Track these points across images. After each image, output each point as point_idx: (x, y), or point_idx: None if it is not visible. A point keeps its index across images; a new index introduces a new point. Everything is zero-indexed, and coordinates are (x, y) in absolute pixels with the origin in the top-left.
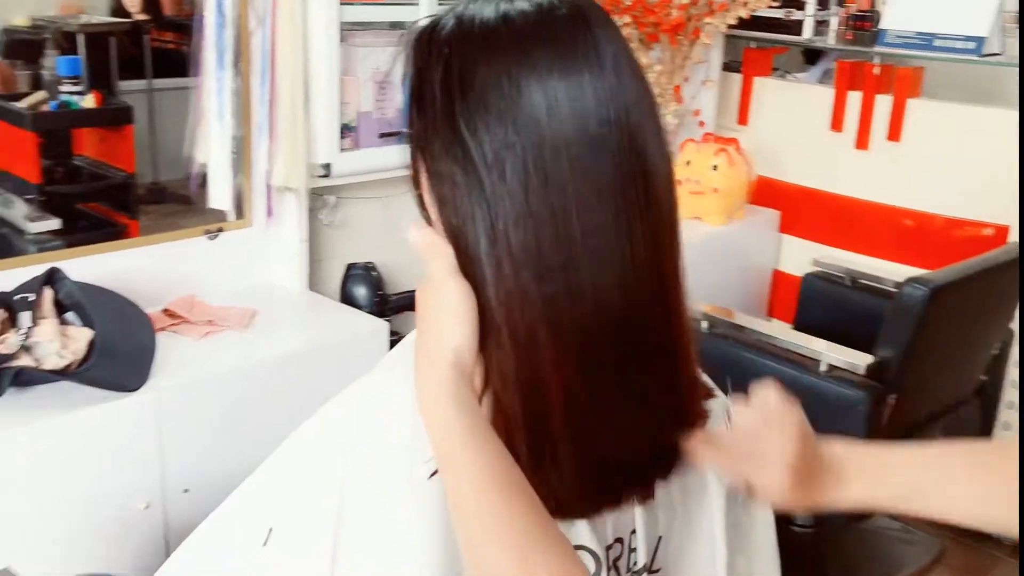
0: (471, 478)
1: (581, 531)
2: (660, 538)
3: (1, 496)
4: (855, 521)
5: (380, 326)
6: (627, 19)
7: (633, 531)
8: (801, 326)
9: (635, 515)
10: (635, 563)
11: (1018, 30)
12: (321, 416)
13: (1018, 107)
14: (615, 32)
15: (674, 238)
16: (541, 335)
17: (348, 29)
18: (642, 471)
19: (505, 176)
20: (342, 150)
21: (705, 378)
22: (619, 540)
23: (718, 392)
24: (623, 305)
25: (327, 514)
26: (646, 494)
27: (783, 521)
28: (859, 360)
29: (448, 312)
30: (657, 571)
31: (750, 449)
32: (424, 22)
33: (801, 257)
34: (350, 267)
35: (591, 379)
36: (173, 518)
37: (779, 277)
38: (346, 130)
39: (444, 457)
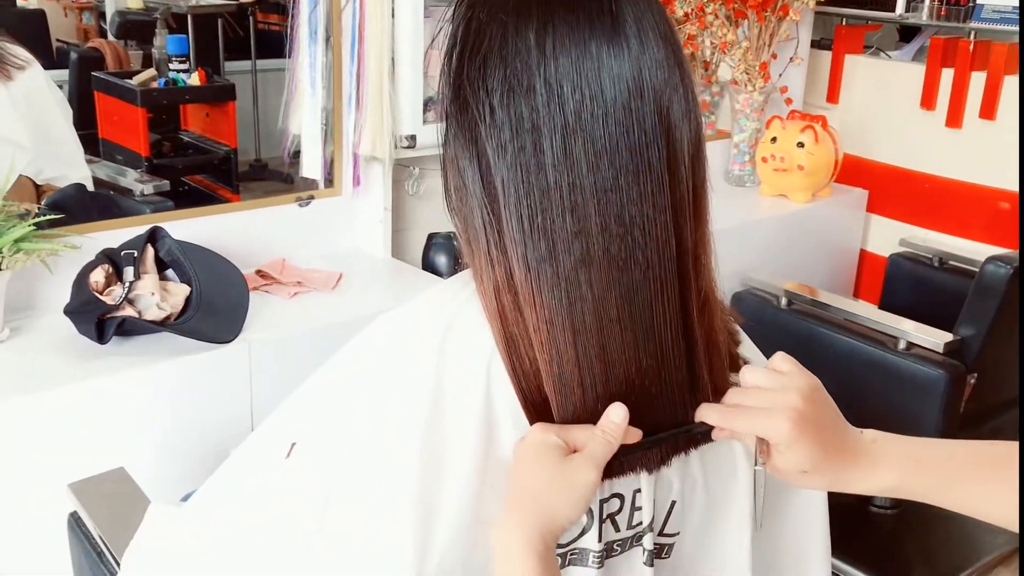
0: None
1: None
2: (673, 503)
3: (109, 425)
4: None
5: None
6: None
7: (637, 490)
8: (887, 306)
9: (640, 475)
10: (639, 522)
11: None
12: (352, 345)
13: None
14: None
15: (699, 203)
16: (556, 309)
17: (433, 4)
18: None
19: (507, 147)
20: (426, 122)
21: (745, 352)
22: (617, 495)
23: (748, 355)
24: (635, 277)
25: (334, 437)
26: (661, 463)
27: (862, 502)
28: (938, 338)
29: (577, 493)
30: (674, 535)
31: (755, 403)
32: None
33: (889, 237)
34: (432, 236)
35: (606, 353)
36: None
37: (866, 257)
38: (431, 103)
39: None
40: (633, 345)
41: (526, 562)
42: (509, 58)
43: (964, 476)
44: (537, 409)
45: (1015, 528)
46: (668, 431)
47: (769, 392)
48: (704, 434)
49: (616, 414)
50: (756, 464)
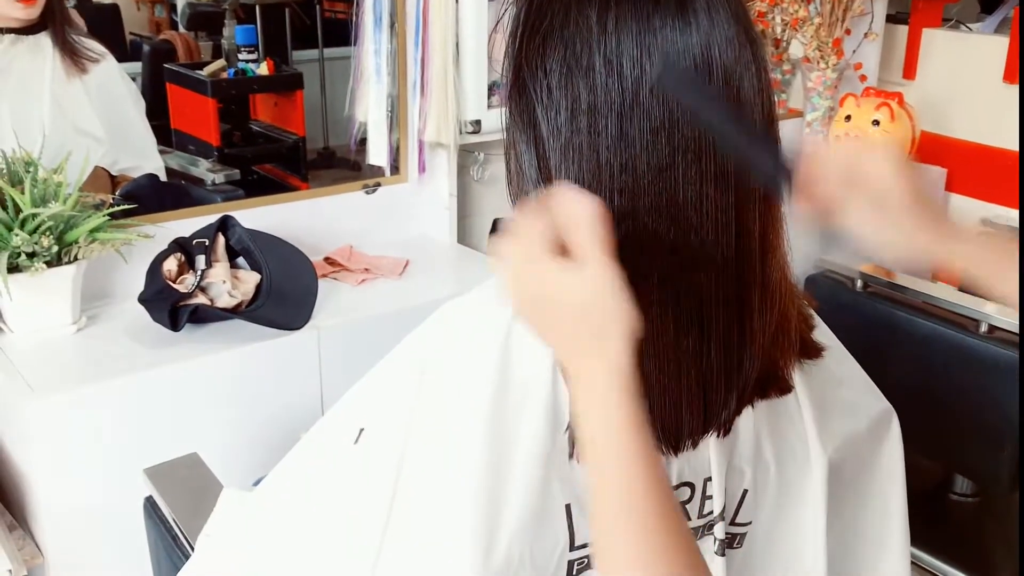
0: (628, 484)
1: None
2: (745, 491)
3: (183, 410)
4: (1019, 488)
5: None
6: None
7: (708, 479)
8: (967, 288)
9: (710, 462)
10: (710, 511)
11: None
12: (418, 333)
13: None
14: None
15: (765, 204)
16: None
17: None
18: (718, 409)
19: (563, 130)
20: (490, 107)
21: (819, 338)
22: (687, 484)
23: (822, 340)
24: (699, 253)
25: (400, 425)
26: (723, 431)
27: (941, 489)
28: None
29: (612, 295)
30: (747, 524)
31: (843, 176)
32: None
33: (969, 216)
34: (497, 222)
35: (666, 325)
36: None
37: None
38: (495, 88)
39: (603, 449)
40: (674, 331)
41: (609, 392)
42: (569, 37)
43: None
44: None
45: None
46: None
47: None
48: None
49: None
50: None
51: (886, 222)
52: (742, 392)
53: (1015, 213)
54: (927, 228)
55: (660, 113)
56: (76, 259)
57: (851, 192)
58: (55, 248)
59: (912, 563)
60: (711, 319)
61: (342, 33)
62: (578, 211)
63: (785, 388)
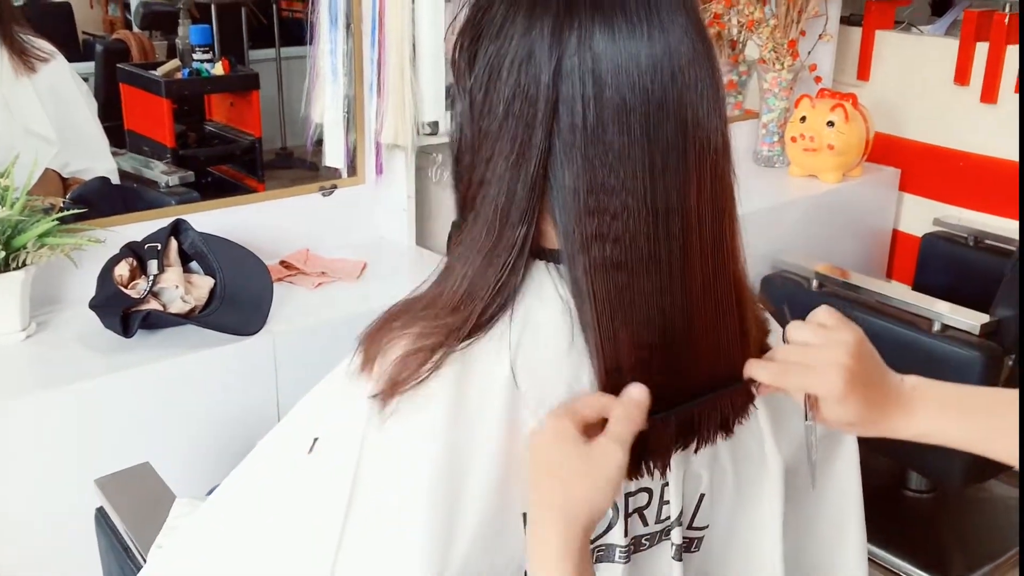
0: None
1: None
2: (703, 495)
3: (135, 419)
4: (972, 484)
5: None
6: None
7: (665, 484)
8: (921, 287)
9: (668, 468)
10: (667, 516)
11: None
12: None
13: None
14: None
15: (723, 211)
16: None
17: None
18: (689, 431)
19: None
20: (448, 108)
21: (774, 341)
22: (645, 490)
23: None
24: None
25: (355, 434)
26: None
27: (896, 485)
28: (974, 320)
29: (605, 479)
30: (704, 528)
31: (805, 360)
32: None
33: (922, 217)
34: (455, 223)
35: (628, 344)
36: None
37: (898, 237)
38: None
39: None
40: (629, 341)
41: (559, 561)
42: (497, 43)
43: (1002, 426)
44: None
45: None
46: (709, 394)
47: (817, 349)
48: (741, 405)
49: (636, 392)
50: (807, 419)
51: (836, 389)
52: (718, 419)
53: (967, 212)
54: (875, 411)
55: (638, 132)
56: (25, 264)
57: (808, 370)
58: (2, 253)
59: (868, 559)
60: (654, 336)
61: (299, 32)
62: (627, 396)
63: (750, 397)
